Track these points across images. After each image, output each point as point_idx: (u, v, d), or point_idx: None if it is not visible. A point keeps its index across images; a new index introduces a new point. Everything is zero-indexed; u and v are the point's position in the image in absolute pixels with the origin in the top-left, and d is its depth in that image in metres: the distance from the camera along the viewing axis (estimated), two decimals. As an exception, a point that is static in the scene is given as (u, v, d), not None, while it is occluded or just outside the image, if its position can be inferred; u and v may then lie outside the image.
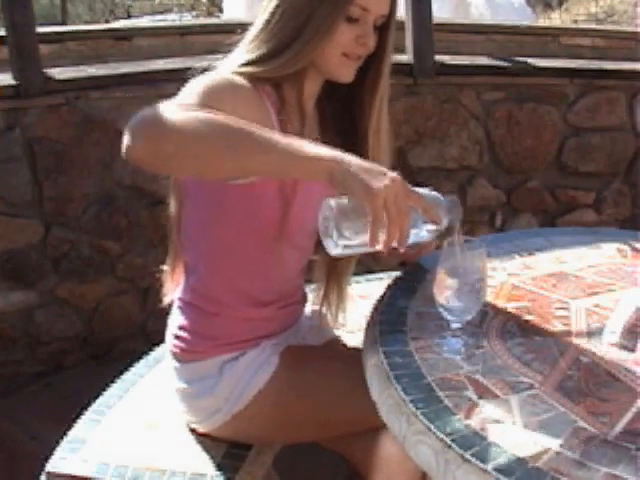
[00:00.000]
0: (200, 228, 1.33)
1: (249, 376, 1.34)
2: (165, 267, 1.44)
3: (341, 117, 1.38)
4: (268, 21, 1.25)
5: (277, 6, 1.24)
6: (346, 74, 1.28)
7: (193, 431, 1.42)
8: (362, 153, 1.26)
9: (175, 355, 1.39)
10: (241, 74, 1.23)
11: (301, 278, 1.47)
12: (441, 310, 1.10)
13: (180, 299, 1.40)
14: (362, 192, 1.02)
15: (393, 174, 1.04)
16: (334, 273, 1.47)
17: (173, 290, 1.43)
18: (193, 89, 1.16)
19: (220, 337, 1.35)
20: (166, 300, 1.45)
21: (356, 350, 1.33)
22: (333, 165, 1.04)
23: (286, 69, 1.24)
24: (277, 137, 1.06)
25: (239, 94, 1.20)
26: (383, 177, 1.02)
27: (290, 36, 1.23)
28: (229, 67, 1.25)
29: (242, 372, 1.34)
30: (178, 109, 1.07)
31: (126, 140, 1.04)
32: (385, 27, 1.29)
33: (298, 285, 1.47)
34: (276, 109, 1.25)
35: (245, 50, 1.27)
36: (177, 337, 1.38)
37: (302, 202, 1.29)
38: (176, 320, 1.40)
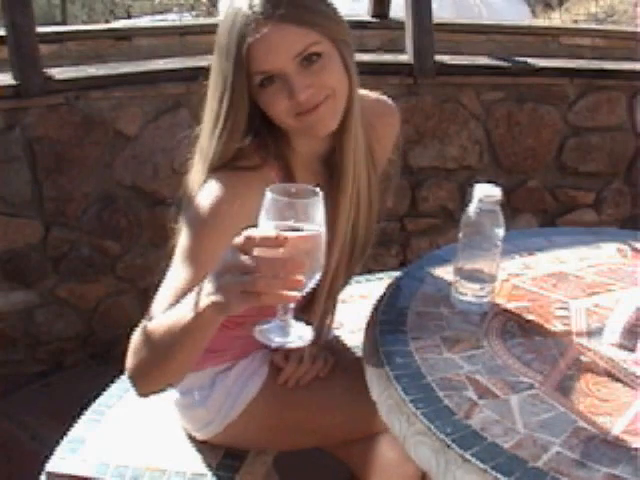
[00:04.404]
0: None
1: (240, 386, 1.34)
2: None
3: None
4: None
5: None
6: (317, 128, 1.13)
7: (193, 431, 1.42)
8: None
9: None
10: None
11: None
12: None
13: None
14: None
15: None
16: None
17: None
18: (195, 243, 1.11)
19: (212, 350, 1.34)
20: None
21: (351, 353, 1.32)
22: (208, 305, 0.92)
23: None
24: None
25: (232, 211, 1.09)
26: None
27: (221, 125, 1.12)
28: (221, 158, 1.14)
29: (232, 383, 1.34)
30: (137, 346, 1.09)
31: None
32: (316, 59, 1.09)
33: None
34: (281, 178, 1.16)
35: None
36: None
37: None
38: None
